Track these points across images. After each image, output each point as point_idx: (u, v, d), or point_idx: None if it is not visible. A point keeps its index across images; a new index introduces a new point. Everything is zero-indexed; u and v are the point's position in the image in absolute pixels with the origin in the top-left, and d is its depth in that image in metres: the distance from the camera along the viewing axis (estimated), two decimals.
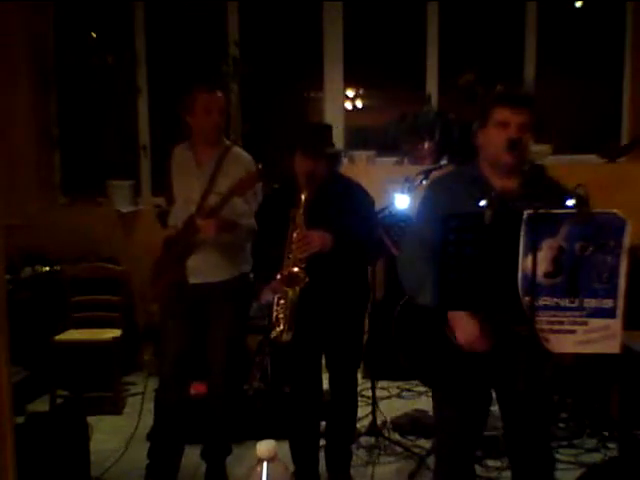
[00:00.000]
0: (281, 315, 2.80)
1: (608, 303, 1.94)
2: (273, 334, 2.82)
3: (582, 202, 1.93)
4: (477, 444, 2.50)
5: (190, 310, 3.12)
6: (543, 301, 1.97)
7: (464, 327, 2.13)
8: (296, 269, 2.76)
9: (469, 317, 2.12)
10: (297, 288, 2.77)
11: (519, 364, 1.96)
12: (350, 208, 2.91)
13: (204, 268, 3.07)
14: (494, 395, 2.38)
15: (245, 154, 3.19)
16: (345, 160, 5.05)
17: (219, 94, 3.09)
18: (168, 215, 3.23)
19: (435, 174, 3.29)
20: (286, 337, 2.80)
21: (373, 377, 3.78)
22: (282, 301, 2.81)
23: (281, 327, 2.81)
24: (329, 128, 3.06)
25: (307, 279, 2.74)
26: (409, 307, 2.30)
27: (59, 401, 4.16)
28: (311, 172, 2.81)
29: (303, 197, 2.78)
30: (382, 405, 3.82)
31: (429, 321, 2.22)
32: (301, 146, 2.88)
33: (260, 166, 2.99)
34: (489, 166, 2.27)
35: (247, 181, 2.87)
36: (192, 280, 3.08)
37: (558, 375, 2.27)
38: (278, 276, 2.79)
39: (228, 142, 3.21)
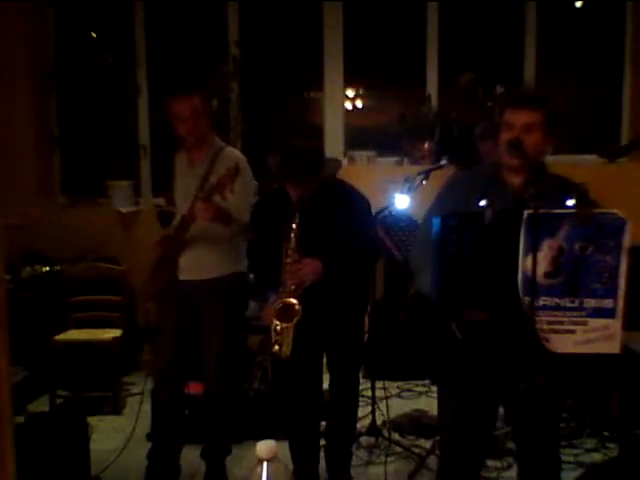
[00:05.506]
0: (279, 338, 2.78)
1: (608, 303, 1.95)
2: (274, 350, 2.80)
3: (584, 199, 1.93)
4: (483, 448, 2.43)
5: (184, 308, 3.13)
6: (543, 301, 1.97)
7: None
8: (291, 300, 2.75)
9: None
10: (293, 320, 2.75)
11: (521, 364, 1.96)
12: (346, 215, 2.90)
13: (194, 265, 3.08)
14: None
15: (237, 154, 3.16)
16: (345, 161, 5.06)
17: (190, 99, 2.99)
18: (170, 215, 3.25)
19: (438, 173, 3.28)
20: (285, 352, 2.79)
21: (373, 377, 3.77)
22: (279, 328, 2.78)
23: (281, 347, 2.79)
24: (317, 150, 2.93)
25: (301, 312, 2.72)
26: (416, 301, 2.26)
27: (59, 401, 4.16)
28: (300, 197, 2.81)
29: (294, 225, 2.77)
30: (382, 405, 3.81)
31: (435, 315, 2.17)
32: (286, 175, 2.84)
33: (256, 183, 3.01)
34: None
35: (224, 178, 2.82)
36: (182, 277, 3.10)
37: (571, 377, 2.26)
38: (275, 305, 2.78)
39: (222, 143, 3.19)
